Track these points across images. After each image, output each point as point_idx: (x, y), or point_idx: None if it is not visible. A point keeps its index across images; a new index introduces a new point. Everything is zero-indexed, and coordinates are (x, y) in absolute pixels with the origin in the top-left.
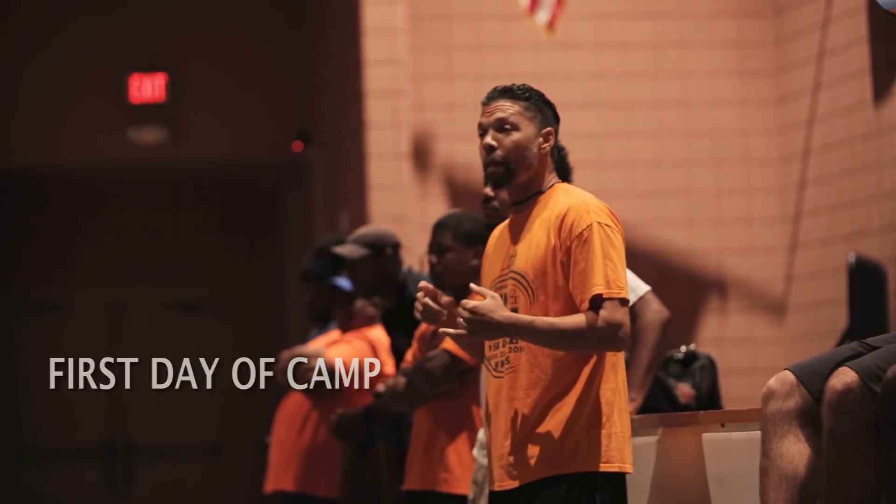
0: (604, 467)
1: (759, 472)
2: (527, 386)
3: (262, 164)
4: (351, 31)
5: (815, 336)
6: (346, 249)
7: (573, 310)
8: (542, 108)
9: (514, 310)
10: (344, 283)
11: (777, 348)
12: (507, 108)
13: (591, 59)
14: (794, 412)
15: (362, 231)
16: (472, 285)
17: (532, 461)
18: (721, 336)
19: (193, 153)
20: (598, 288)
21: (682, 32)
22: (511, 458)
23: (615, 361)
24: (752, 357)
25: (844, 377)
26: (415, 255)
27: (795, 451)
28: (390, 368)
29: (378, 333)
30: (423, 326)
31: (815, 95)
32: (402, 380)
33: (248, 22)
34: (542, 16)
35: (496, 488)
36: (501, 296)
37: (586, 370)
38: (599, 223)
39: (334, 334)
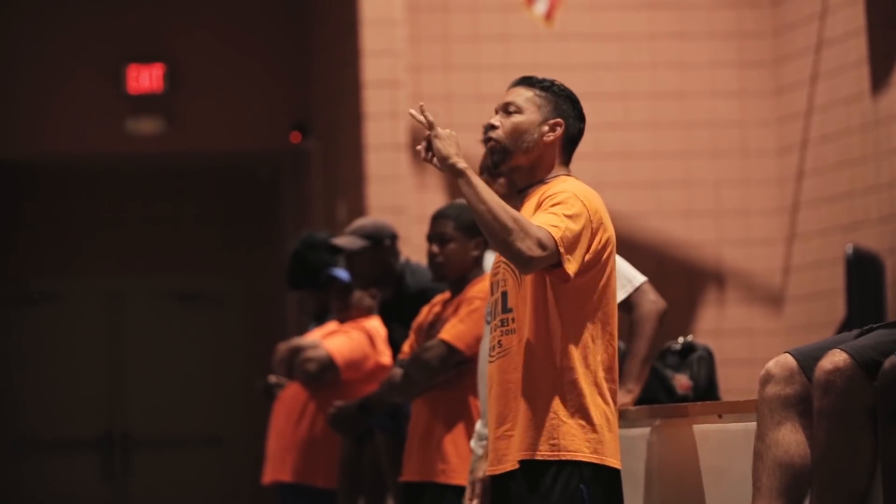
0: (585, 457)
1: (752, 456)
2: (516, 369)
3: (259, 154)
4: (349, 22)
5: (812, 327)
6: (344, 241)
7: (554, 294)
8: (558, 101)
9: (504, 293)
10: (341, 273)
11: (775, 339)
12: (519, 94)
13: (590, 50)
14: (793, 399)
15: (360, 222)
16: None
17: (517, 446)
18: (719, 327)
19: (191, 144)
20: (542, 222)
21: (680, 23)
22: (500, 443)
23: (607, 358)
24: (750, 348)
25: (833, 357)
26: (413, 247)
27: (792, 440)
28: (387, 359)
29: (375, 324)
30: (421, 317)
31: (813, 86)
32: (398, 371)
33: (246, 12)
34: (541, 6)
35: (488, 472)
36: (495, 282)
37: (578, 358)
38: (576, 195)
39: (331, 325)
